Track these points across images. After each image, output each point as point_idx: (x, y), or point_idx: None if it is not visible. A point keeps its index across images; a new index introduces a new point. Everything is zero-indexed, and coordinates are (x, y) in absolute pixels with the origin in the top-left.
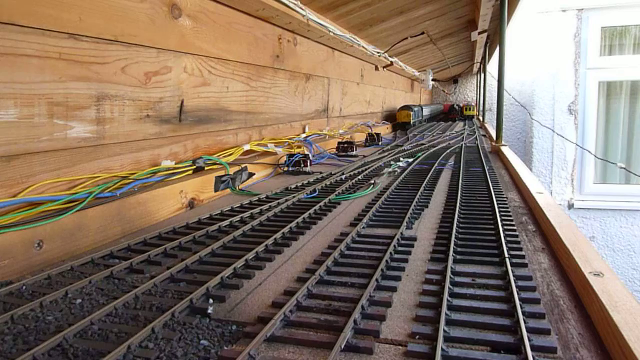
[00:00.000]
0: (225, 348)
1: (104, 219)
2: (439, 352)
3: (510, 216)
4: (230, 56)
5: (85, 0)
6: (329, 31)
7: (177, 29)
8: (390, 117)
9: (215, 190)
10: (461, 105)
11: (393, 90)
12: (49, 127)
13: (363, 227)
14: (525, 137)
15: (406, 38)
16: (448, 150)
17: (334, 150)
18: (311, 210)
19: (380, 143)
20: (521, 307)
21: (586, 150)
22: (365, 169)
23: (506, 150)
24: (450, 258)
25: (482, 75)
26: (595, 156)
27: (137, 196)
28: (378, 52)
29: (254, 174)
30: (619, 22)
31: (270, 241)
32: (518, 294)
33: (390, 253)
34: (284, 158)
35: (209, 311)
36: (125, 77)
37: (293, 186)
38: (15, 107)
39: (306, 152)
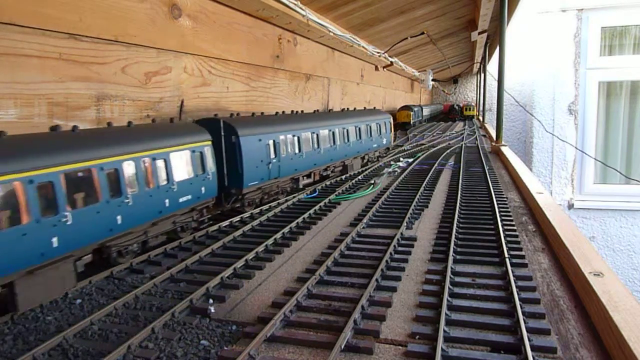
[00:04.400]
0: (225, 348)
1: None
2: (439, 352)
3: (510, 216)
4: (230, 56)
5: (86, 0)
6: (329, 31)
7: (177, 29)
8: None
9: None
10: (461, 105)
11: (393, 90)
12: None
13: (363, 227)
14: (525, 137)
15: (406, 38)
16: (448, 151)
17: None
18: (311, 211)
19: None
20: (521, 307)
21: (586, 154)
22: (365, 169)
23: (506, 150)
24: (450, 258)
25: (482, 75)
26: (596, 159)
27: None
28: (378, 52)
29: None
30: (619, 22)
31: (270, 241)
32: (518, 294)
33: (390, 253)
34: None
35: (210, 311)
36: (125, 77)
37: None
38: (15, 107)
39: None
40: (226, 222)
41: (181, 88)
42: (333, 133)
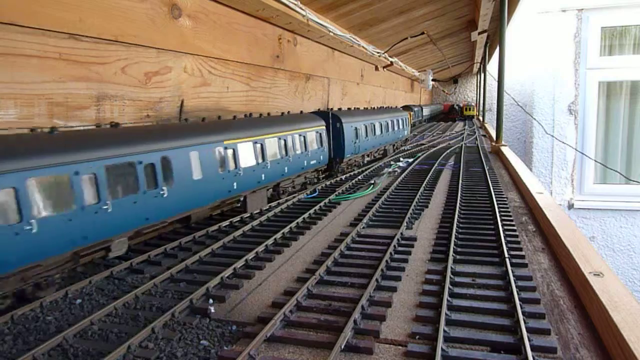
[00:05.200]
0: (225, 348)
1: None
2: (439, 352)
3: (510, 216)
4: (230, 56)
5: (86, 0)
6: (329, 31)
7: (177, 29)
8: None
9: None
10: (461, 105)
11: (393, 90)
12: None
13: (363, 227)
14: (525, 137)
15: (406, 38)
16: (448, 151)
17: None
18: (311, 210)
19: None
20: (521, 307)
21: (586, 155)
22: (366, 169)
23: (506, 150)
24: (450, 258)
25: (482, 75)
26: (596, 161)
27: None
28: (378, 52)
29: None
30: (619, 22)
31: (270, 241)
32: (518, 294)
33: (390, 253)
34: None
35: (210, 311)
36: (125, 77)
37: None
38: (15, 107)
39: None
40: (226, 222)
41: (181, 88)
42: (381, 124)
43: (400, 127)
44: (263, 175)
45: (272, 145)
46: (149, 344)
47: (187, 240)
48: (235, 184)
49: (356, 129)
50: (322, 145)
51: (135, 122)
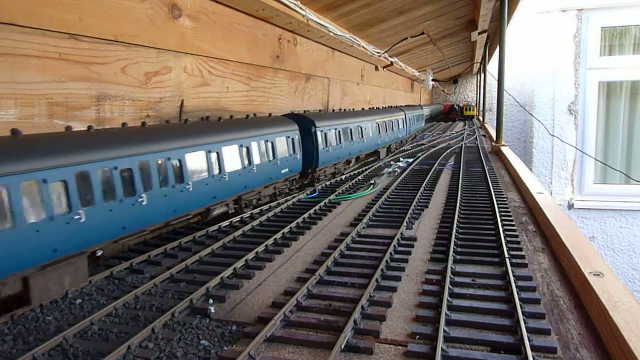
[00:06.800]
0: (225, 348)
1: None
2: (439, 352)
3: (510, 216)
4: (230, 56)
5: (86, 0)
6: (329, 31)
7: (177, 29)
8: None
9: None
10: (461, 105)
11: (393, 90)
12: (49, 127)
13: (363, 227)
14: (525, 137)
15: (406, 38)
16: (448, 151)
17: None
18: (311, 211)
19: None
20: (521, 307)
21: (586, 154)
22: (366, 169)
23: (506, 151)
24: (450, 258)
25: (482, 75)
26: (596, 159)
27: None
28: (378, 52)
29: None
30: (619, 22)
31: (270, 241)
32: (518, 294)
33: (390, 253)
34: None
35: (210, 311)
36: (125, 77)
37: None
38: (15, 107)
39: None
40: (226, 222)
41: (181, 88)
42: (415, 117)
43: (420, 119)
44: (387, 139)
45: (390, 123)
46: (149, 344)
47: (187, 240)
48: (379, 141)
49: (409, 118)
50: (404, 126)
51: (136, 121)
